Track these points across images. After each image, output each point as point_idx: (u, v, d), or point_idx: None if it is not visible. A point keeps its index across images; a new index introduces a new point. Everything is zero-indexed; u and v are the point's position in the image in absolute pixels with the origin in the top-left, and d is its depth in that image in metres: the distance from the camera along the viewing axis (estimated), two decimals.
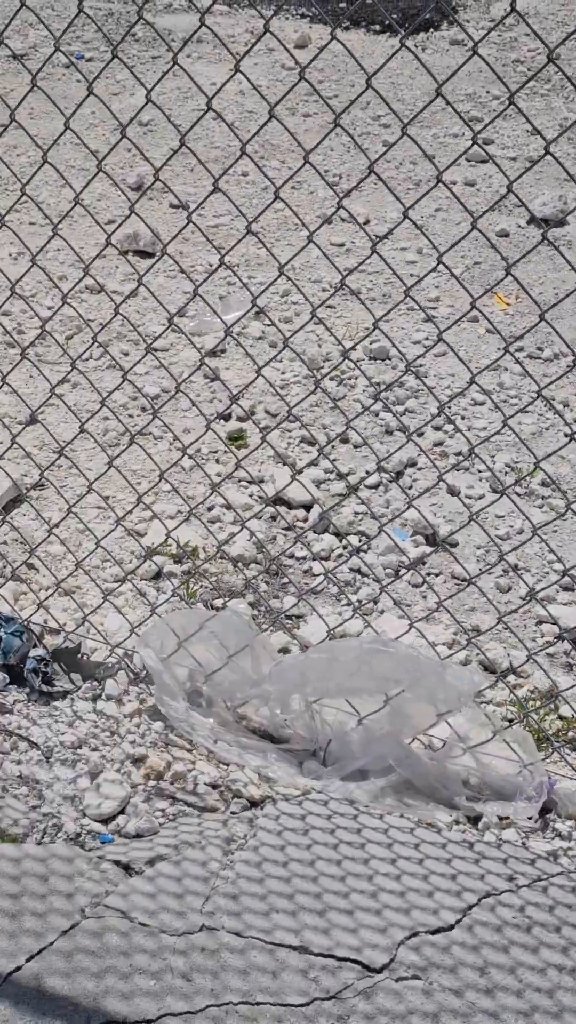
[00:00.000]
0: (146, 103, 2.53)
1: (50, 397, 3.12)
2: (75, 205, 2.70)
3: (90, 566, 3.79)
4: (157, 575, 3.88)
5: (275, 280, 2.78)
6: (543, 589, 3.50)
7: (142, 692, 3.26)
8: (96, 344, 3.06)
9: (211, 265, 5.99)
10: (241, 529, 3.20)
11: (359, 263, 2.73)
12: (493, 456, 4.57)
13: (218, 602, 3.73)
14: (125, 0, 10.07)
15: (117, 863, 2.75)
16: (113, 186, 6.71)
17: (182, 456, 3.05)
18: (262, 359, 5.03)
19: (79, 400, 4.87)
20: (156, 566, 3.83)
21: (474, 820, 2.96)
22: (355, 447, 4.62)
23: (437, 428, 4.72)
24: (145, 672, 3.26)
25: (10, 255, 6.04)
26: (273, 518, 4.21)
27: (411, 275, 5.91)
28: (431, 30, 9.43)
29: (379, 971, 2.48)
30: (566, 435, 3.06)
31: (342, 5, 9.86)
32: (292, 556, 4.05)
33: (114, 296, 5.61)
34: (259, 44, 8.92)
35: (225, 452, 4.56)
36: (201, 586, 3.82)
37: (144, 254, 6.07)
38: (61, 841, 2.84)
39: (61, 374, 4.99)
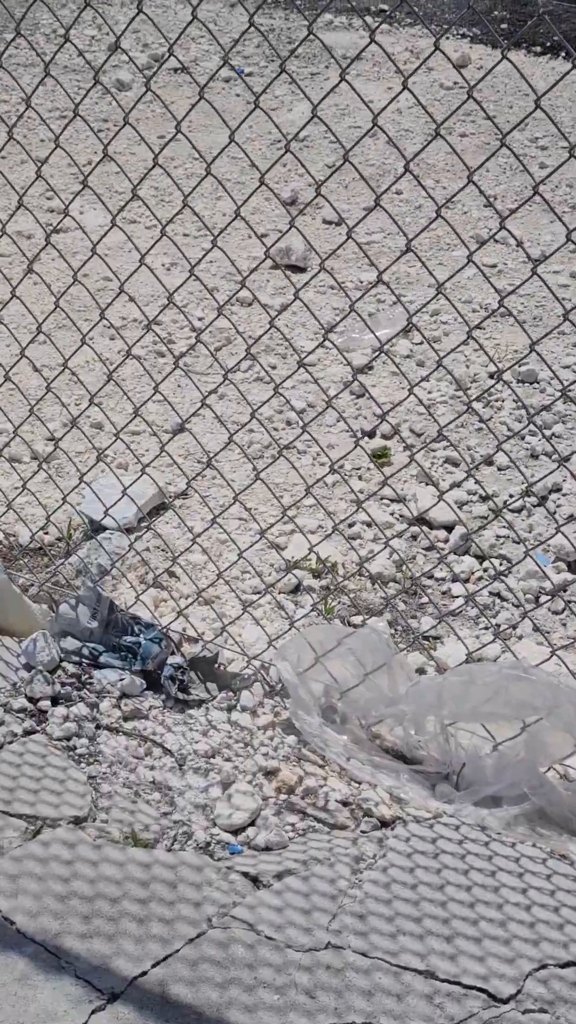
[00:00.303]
0: (311, 119, 2.54)
1: (200, 407, 3.14)
2: (235, 218, 2.71)
3: (229, 576, 3.81)
4: (296, 588, 3.88)
5: (432, 299, 2.77)
6: None
7: (277, 705, 3.26)
8: (246, 357, 3.07)
9: (361, 282, 5.99)
10: (384, 547, 3.18)
11: (517, 286, 2.70)
12: None
13: (355, 619, 3.72)
14: (287, 17, 10.14)
15: (246, 875, 2.75)
16: (267, 200, 6.79)
17: (329, 471, 3.05)
18: (409, 378, 5.02)
19: (224, 411, 4.90)
20: (296, 579, 3.83)
21: None
22: (499, 469, 4.58)
23: None
24: (281, 685, 3.26)
25: (163, 265, 6.11)
26: (414, 537, 4.19)
27: (564, 299, 5.85)
28: None
29: (505, 1002, 2.45)
30: None
31: (503, 26, 9.81)
32: (431, 576, 4.02)
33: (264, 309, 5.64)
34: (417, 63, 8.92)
35: (368, 469, 4.55)
36: (339, 602, 3.81)
37: (295, 268, 6.09)
38: (191, 849, 2.85)
39: (208, 384, 5.04)
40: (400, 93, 2.40)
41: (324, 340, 2.86)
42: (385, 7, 10.30)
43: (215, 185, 6.93)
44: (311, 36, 2.58)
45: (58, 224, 3.20)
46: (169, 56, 2.58)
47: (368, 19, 9.87)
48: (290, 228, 2.74)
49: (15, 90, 8.64)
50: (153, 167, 2.81)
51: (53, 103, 8.42)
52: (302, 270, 6.08)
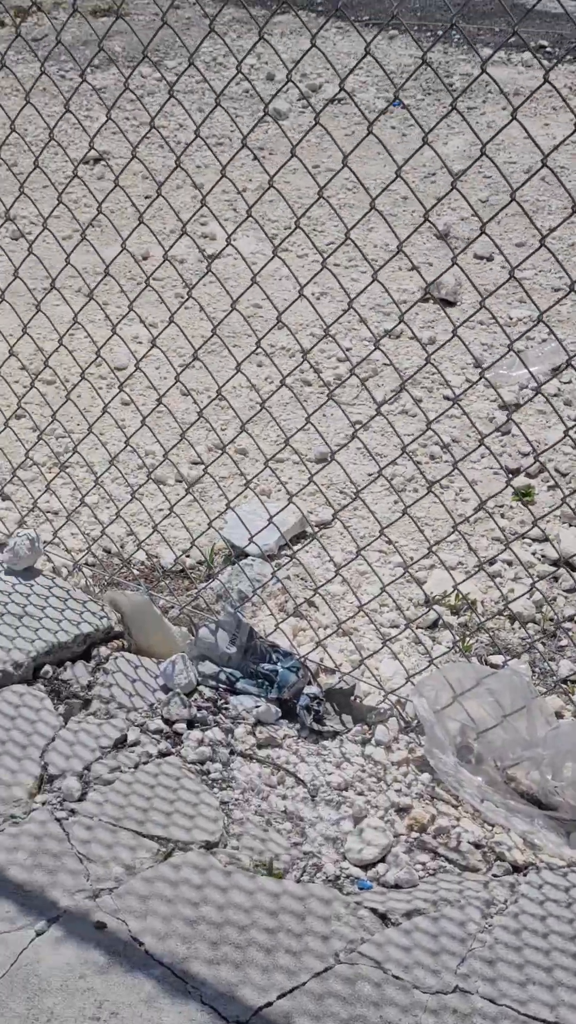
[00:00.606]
0: (480, 156, 2.53)
1: (352, 439, 3.14)
2: (397, 253, 2.72)
3: (367, 608, 3.80)
4: (434, 624, 3.85)
5: None
6: None
7: (412, 741, 3.24)
8: (400, 390, 3.06)
9: (511, 318, 5.95)
10: (531, 588, 3.15)
11: None
12: None
13: (493, 658, 3.68)
14: (445, 51, 10.15)
15: (374, 911, 2.74)
16: (418, 233, 6.79)
17: (478, 509, 3.03)
18: (555, 417, 4.97)
19: (368, 442, 4.90)
20: (437, 614, 3.81)
21: None
22: None
23: None
24: (416, 722, 3.24)
25: (312, 294, 6.14)
26: (555, 578, 4.14)
27: None
28: None
29: None
30: None
31: None
32: (572, 619, 3.96)
33: (412, 343, 5.64)
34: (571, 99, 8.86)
35: (511, 507, 4.51)
36: (477, 640, 3.78)
37: (445, 302, 6.07)
38: (320, 882, 2.84)
39: (352, 414, 5.04)
40: (573, 134, 2.39)
41: (481, 377, 2.84)
42: (544, 43, 10.26)
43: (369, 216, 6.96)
44: (487, 75, 2.57)
45: (220, 252, 3.23)
46: (340, 91, 2.60)
47: (526, 55, 9.85)
48: (452, 265, 2.74)
49: (173, 116, 8.76)
50: (317, 200, 2.82)
51: (210, 130, 8.53)
52: (451, 304, 6.06)
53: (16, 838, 2.90)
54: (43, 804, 3.01)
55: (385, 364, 5.40)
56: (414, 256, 6.62)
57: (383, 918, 2.72)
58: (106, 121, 3.10)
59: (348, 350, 5.63)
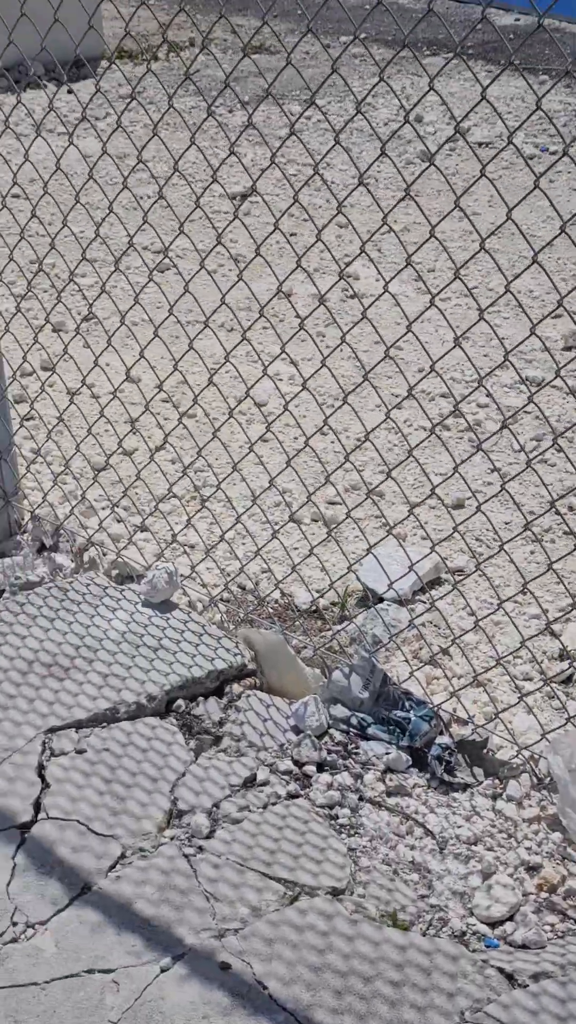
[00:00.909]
0: None
1: (500, 491, 3.12)
2: (557, 308, 2.70)
3: (503, 661, 3.76)
4: (568, 679, 3.80)
5: None
6: None
7: (544, 799, 3.19)
8: (554, 444, 3.04)
9: None
10: None
11: None
12: None
13: None
14: None
15: (501, 971, 2.69)
16: (562, 280, 6.74)
17: None
18: None
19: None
20: (575, 670, 3.77)
21: None
22: None
23: None
24: (550, 779, 3.19)
25: (453, 340, 6.12)
26: None
27: None
28: None
29: None
30: None
31: None
32: None
33: (553, 391, 5.59)
34: None
35: None
36: None
37: None
38: (446, 936, 2.80)
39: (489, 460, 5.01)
40: None
41: None
42: None
43: (514, 263, 6.94)
44: None
45: (377, 298, 3.25)
46: (509, 143, 2.60)
47: None
48: None
49: (319, 155, 8.83)
50: (480, 251, 2.82)
51: (355, 170, 8.57)
52: None
53: (144, 872, 2.91)
54: (171, 839, 3.02)
55: (526, 411, 5.36)
56: (548, 306, 6.57)
57: (510, 978, 2.68)
58: (269, 165, 3.14)
59: (488, 395, 5.61)
